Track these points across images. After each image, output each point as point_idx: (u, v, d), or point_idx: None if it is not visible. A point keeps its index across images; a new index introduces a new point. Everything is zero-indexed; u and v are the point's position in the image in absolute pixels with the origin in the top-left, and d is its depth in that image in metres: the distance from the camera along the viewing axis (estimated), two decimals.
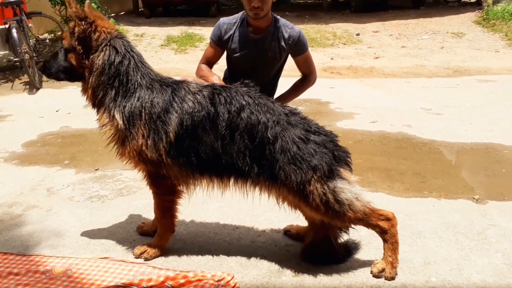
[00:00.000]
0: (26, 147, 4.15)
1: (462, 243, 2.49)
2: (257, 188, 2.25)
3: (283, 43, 3.32)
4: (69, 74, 2.26)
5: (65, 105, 5.53)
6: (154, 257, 2.38)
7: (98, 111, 2.24)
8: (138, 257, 2.39)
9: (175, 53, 8.65)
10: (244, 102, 2.15)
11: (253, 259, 2.38)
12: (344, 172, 2.12)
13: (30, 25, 6.84)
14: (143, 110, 2.12)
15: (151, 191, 2.39)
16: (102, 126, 2.21)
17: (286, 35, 3.30)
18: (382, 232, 2.18)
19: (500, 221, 2.70)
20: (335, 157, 2.12)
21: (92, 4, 7.31)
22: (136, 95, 2.13)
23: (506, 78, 6.53)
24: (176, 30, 9.89)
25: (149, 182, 2.32)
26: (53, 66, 2.26)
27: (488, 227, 2.64)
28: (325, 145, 2.13)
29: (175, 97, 2.15)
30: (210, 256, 2.41)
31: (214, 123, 2.13)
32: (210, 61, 3.46)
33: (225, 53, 3.49)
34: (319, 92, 5.64)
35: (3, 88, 6.51)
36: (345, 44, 9.22)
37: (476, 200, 2.97)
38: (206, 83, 2.31)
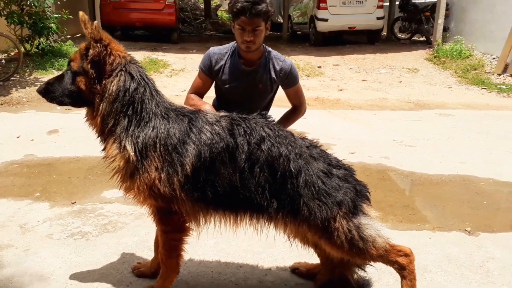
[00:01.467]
0: None
1: (467, 276, 2.51)
2: (272, 225, 2.15)
3: (274, 76, 3.28)
4: (75, 99, 2.05)
5: (25, 131, 5.13)
6: None
7: (105, 141, 2.05)
8: None
9: None
10: (264, 134, 2.07)
11: None
12: (366, 207, 2.08)
13: None
14: (158, 141, 1.96)
15: (157, 228, 2.20)
16: (109, 157, 2.02)
17: (278, 68, 3.27)
18: (401, 269, 2.13)
19: (496, 253, 2.77)
20: (357, 191, 2.08)
21: (52, 25, 6.97)
22: (150, 125, 1.98)
23: (463, 113, 6.95)
24: (139, 55, 9.67)
25: (156, 219, 2.13)
26: (57, 90, 2.04)
27: (487, 259, 2.70)
28: (347, 180, 2.08)
29: (192, 127, 2.03)
30: None
31: (233, 155, 2.02)
32: (199, 92, 3.32)
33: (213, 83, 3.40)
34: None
35: None
36: (308, 76, 9.46)
37: (468, 232, 3.04)
38: (222, 114, 2.20)
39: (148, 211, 2.17)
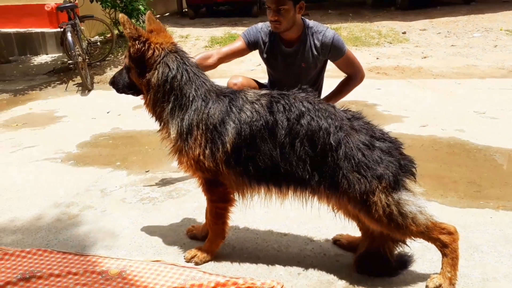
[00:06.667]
0: (80, 148, 4.33)
1: None
2: (315, 197, 2.21)
3: (315, 52, 3.19)
4: (133, 90, 2.38)
5: (115, 107, 5.72)
6: (204, 262, 2.43)
7: (160, 125, 2.33)
8: (188, 261, 2.44)
9: None
10: (303, 109, 2.13)
11: (302, 268, 2.37)
12: (409, 183, 2.06)
13: (82, 28, 7.13)
14: (200, 121, 2.16)
15: (205, 197, 2.42)
16: (163, 139, 2.32)
17: (318, 43, 3.17)
18: (443, 246, 2.09)
19: None
20: (401, 166, 2.05)
21: (140, 6, 7.36)
22: (192, 108, 2.18)
23: None
24: (220, 31, 9.99)
25: (204, 189, 2.36)
26: (120, 82, 2.39)
27: None
28: (390, 153, 2.06)
29: (232, 107, 2.18)
30: (259, 263, 2.42)
31: (273, 131, 2.12)
32: (232, 53, 3.30)
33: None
34: (366, 94, 5.54)
35: (59, 89, 6.83)
36: (391, 43, 8.95)
37: None
38: (263, 92, 2.30)
39: (198, 181, 2.41)
